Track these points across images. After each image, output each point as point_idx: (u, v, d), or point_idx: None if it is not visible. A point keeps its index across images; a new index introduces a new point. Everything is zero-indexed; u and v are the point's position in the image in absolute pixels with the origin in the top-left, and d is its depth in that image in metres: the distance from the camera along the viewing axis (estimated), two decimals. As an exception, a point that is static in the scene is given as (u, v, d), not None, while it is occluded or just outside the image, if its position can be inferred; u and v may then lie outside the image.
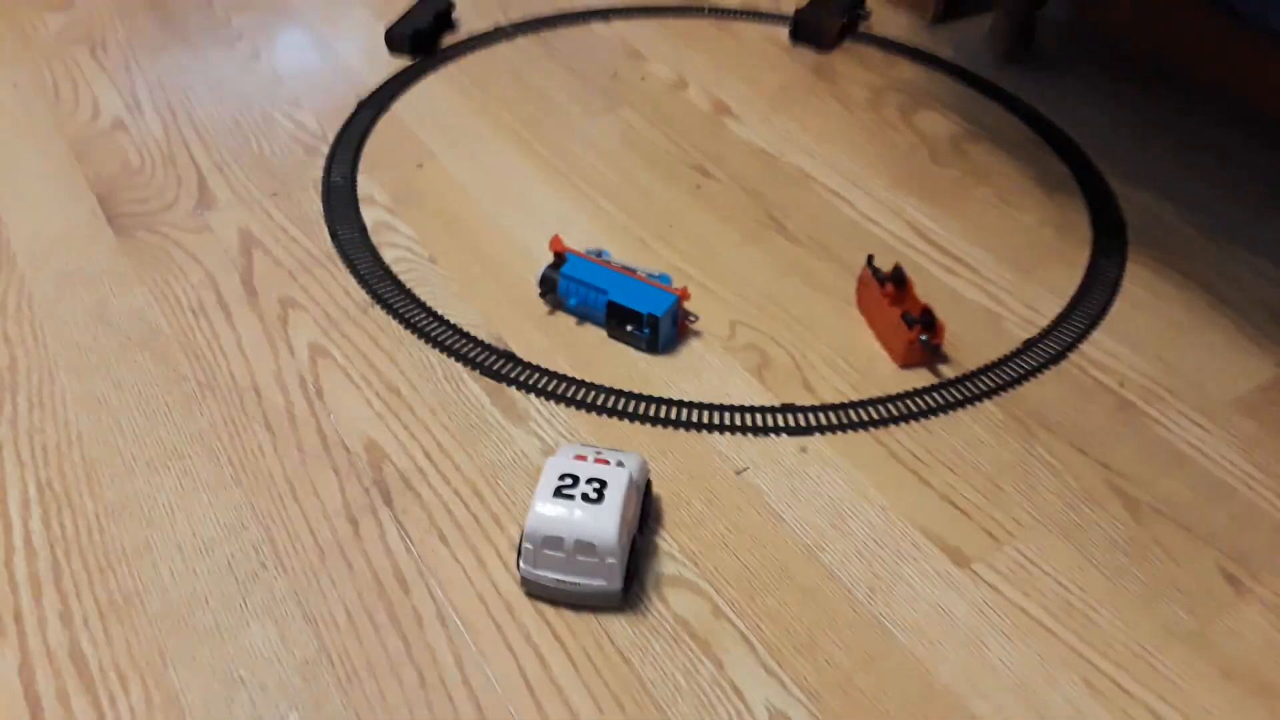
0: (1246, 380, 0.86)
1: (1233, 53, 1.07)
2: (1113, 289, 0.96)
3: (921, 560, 0.71)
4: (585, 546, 0.64)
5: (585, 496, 0.65)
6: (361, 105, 1.17)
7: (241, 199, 1.03)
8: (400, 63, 1.24)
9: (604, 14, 1.36)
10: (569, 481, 0.66)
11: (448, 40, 1.29)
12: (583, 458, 0.68)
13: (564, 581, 0.66)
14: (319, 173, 1.07)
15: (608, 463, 0.67)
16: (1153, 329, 0.91)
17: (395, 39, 1.25)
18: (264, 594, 0.68)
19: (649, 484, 0.72)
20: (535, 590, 0.67)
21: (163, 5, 1.34)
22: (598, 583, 0.65)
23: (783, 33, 1.33)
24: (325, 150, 1.10)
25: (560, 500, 0.65)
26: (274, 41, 1.28)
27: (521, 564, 0.67)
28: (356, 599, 0.68)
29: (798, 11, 1.31)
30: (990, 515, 0.74)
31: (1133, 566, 0.71)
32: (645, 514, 0.72)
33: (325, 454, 0.77)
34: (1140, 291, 0.95)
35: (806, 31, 1.30)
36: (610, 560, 0.64)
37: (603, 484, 0.65)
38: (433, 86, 1.21)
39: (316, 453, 0.77)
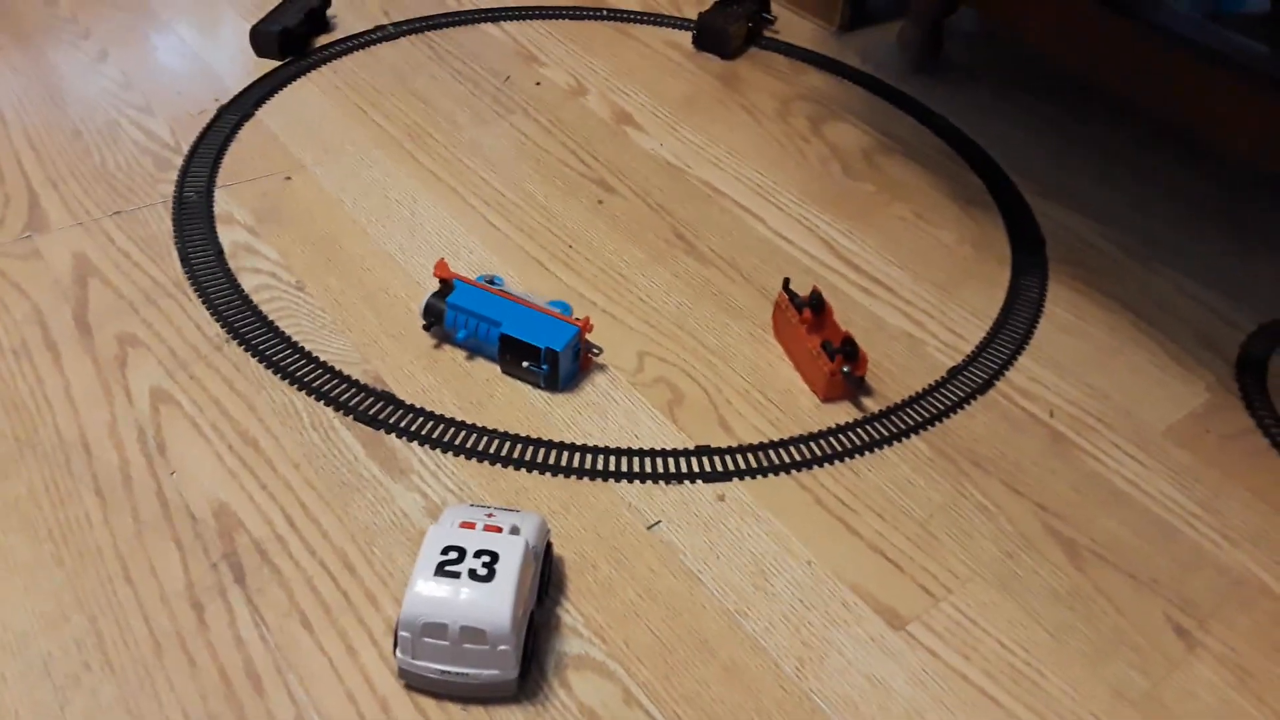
0: (1177, 407, 0.82)
1: (1141, 62, 1.05)
2: (1036, 310, 0.91)
3: (854, 623, 0.64)
4: (474, 633, 0.55)
5: (473, 573, 0.55)
6: (222, 111, 1.05)
7: (78, 219, 0.90)
8: (268, 65, 1.12)
9: (494, 15, 1.26)
10: (454, 556, 0.56)
11: (322, 40, 1.18)
12: (470, 525, 0.58)
13: (449, 673, 0.56)
14: (170, 188, 0.95)
15: (500, 529, 0.58)
16: (1078, 353, 0.87)
17: (261, 38, 1.13)
18: (86, 702, 0.57)
19: (549, 547, 0.63)
20: (415, 682, 0.58)
21: (-8, -3, 1.19)
22: (490, 673, 0.56)
23: (685, 38, 1.26)
24: (179, 163, 0.98)
25: (443, 579, 0.55)
26: (125, 40, 1.14)
27: (399, 653, 0.57)
28: (200, 704, 0.57)
29: (701, 16, 1.24)
30: (924, 567, 0.68)
31: (1077, 621, 0.66)
32: (545, 582, 0.63)
33: (166, 522, 0.66)
34: (1063, 313, 0.91)
35: (710, 38, 1.23)
36: (503, 648, 0.55)
37: (494, 557, 0.56)
38: (304, 91, 1.10)
39: (155, 521, 0.66)
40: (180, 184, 0.95)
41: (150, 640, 0.60)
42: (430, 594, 0.55)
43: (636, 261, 0.92)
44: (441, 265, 0.81)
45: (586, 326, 0.78)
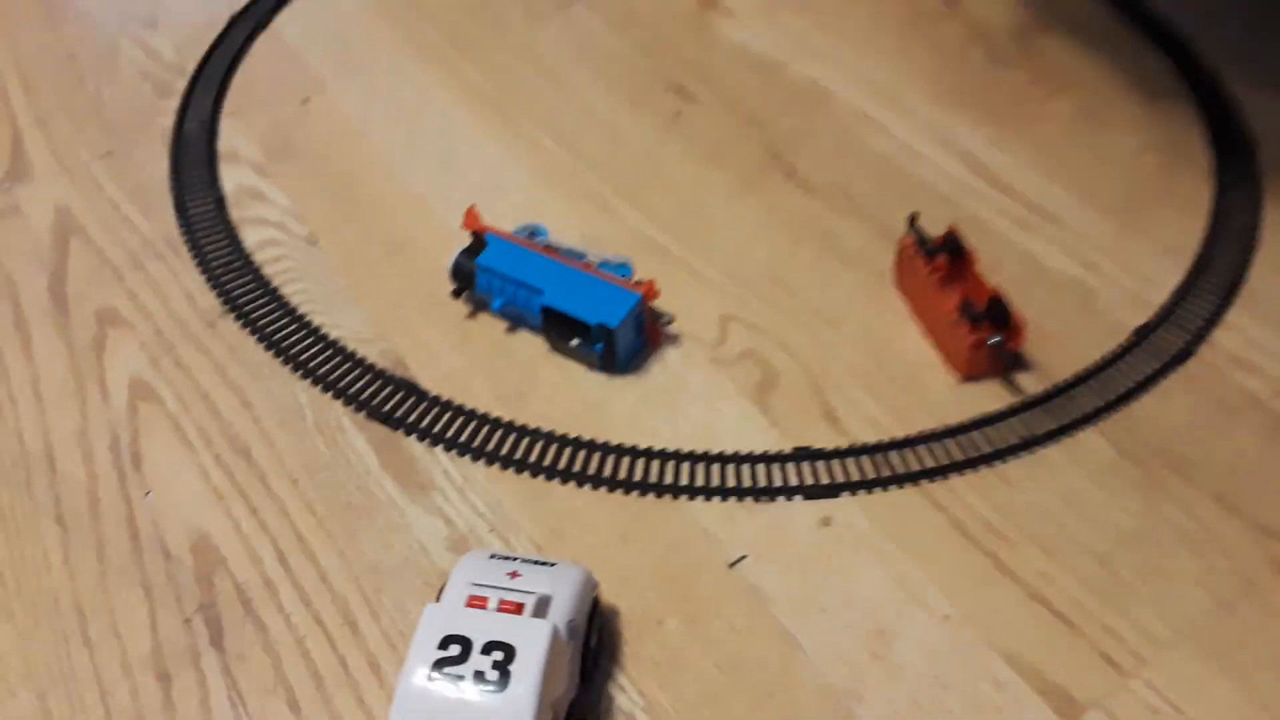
0: None
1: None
2: (1248, 243, 0.69)
3: (1009, 710, 0.47)
4: (484, 755, 0.41)
5: (480, 675, 0.41)
6: (234, 21, 0.89)
7: (65, 165, 0.77)
8: (288, -39, 0.96)
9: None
10: (456, 651, 0.42)
11: (352, -73, 1.00)
12: (480, 602, 0.43)
13: (460, 796, 0.43)
14: (171, 119, 0.81)
15: (519, 608, 0.43)
16: (1312, 302, 0.65)
17: (280, -71, 0.95)
18: (25, 807, 0.46)
19: (596, 606, 0.48)
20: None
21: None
22: (512, 796, 0.42)
23: (786, -106, 1.02)
24: (182, 86, 0.83)
25: (441, 679, 0.41)
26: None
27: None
28: (157, 816, 0.45)
29: None
30: (1107, 625, 0.50)
31: (1329, 707, 0.47)
32: (591, 658, 0.48)
33: (135, 562, 0.54)
34: (1289, 244, 0.69)
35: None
36: (525, 772, 0.41)
37: (509, 653, 0.41)
38: (329, -9, 0.93)
39: (123, 561, 0.54)
40: (181, 114, 0.81)
41: (105, 725, 0.48)
42: (419, 705, 0.41)
43: (722, 192, 0.74)
44: (471, 215, 0.64)
45: (650, 293, 0.61)
